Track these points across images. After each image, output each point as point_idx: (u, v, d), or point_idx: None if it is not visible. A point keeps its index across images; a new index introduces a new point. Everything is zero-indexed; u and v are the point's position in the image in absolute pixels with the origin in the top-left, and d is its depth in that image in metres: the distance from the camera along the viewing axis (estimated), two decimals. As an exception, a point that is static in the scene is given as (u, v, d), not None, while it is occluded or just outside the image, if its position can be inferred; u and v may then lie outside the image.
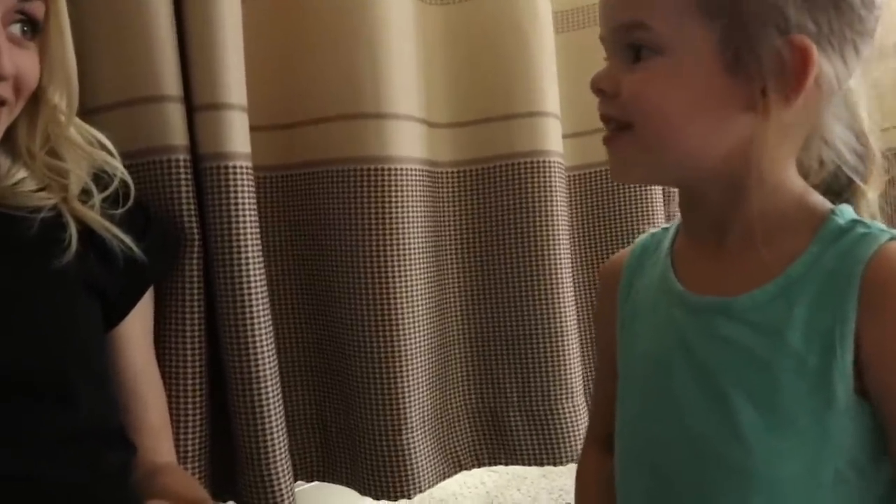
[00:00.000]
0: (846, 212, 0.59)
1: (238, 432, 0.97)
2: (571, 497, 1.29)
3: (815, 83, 0.55)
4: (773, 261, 0.58)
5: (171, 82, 0.89)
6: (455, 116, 1.19)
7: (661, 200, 1.35)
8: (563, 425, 1.22)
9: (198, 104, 0.91)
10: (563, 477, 1.36)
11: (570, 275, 1.23)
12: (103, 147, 0.82)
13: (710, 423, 0.59)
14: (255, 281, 0.94)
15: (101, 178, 0.81)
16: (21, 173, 0.76)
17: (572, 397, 1.22)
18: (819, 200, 0.60)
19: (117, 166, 0.82)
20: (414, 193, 1.10)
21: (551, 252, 1.18)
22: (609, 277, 0.74)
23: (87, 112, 0.87)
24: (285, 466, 1.01)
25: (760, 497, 0.57)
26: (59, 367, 0.71)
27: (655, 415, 0.64)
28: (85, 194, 0.79)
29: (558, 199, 1.18)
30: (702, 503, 0.60)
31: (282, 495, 1.00)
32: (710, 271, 0.63)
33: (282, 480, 1.00)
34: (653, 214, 1.32)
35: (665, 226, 0.71)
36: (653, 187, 1.35)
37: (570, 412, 1.22)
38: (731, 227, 0.61)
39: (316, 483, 1.21)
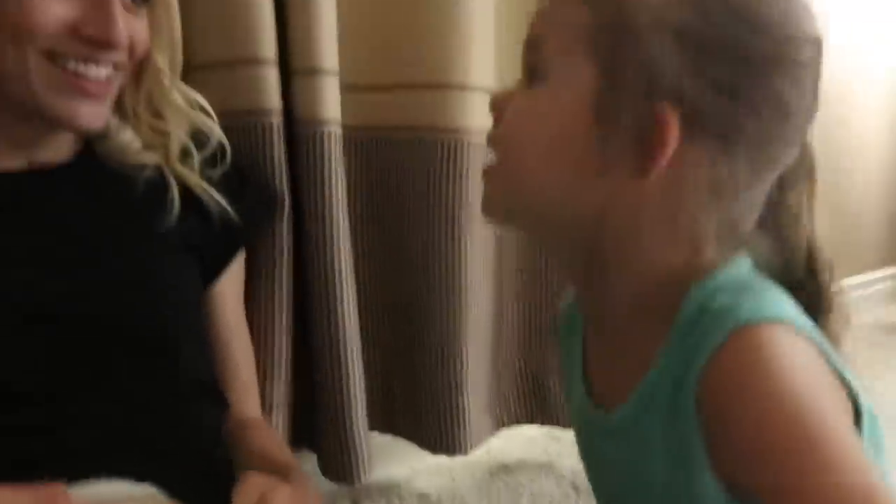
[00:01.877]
0: (706, 287, 0.46)
1: (321, 384, 0.96)
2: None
3: (686, 171, 0.45)
4: (645, 358, 0.48)
5: (268, 45, 0.85)
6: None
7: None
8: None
9: (294, 67, 0.87)
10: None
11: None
12: (202, 109, 0.80)
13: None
14: (343, 244, 0.91)
15: (198, 138, 0.78)
16: (127, 133, 0.74)
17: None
18: (690, 275, 0.47)
19: (214, 128, 0.80)
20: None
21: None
22: (555, 330, 0.66)
23: (184, 70, 0.84)
24: (362, 417, 1.00)
25: None
26: (165, 324, 0.69)
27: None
28: (184, 154, 0.77)
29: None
30: None
31: (357, 441, 0.99)
32: (605, 362, 0.55)
33: (359, 429, 0.99)
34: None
35: None
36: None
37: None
38: (605, 308, 0.52)
39: (379, 436, 1.21)
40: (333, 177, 0.89)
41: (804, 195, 0.51)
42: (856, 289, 2.28)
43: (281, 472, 0.64)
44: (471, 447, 1.12)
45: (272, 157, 0.87)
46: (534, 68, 0.50)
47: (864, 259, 2.35)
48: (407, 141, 1.02)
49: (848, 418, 0.43)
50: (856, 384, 0.45)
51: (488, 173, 0.52)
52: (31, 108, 0.64)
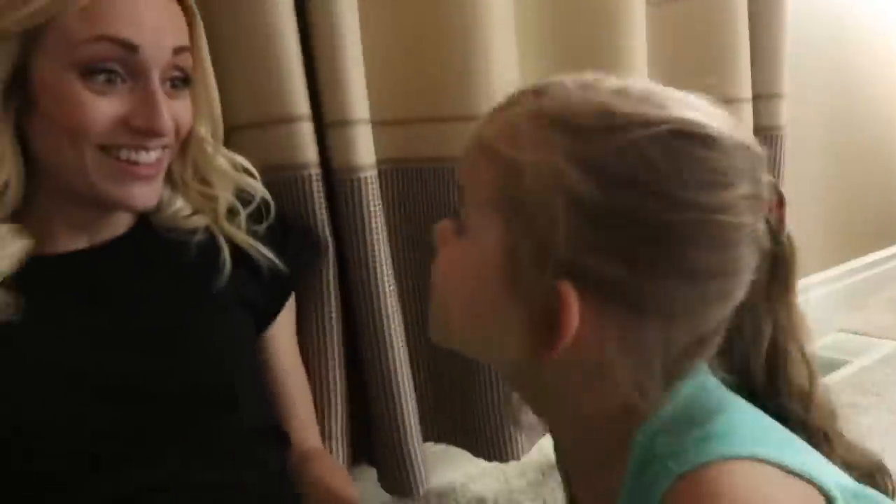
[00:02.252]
0: (650, 428, 0.46)
1: (375, 409, 1.01)
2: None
3: (598, 339, 0.43)
4: (611, 483, 0.48)
5: (301, 102, 0.89)
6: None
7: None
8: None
9: (328, 121, 0.91)
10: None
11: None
12: (245, 170, 0.84)
13: None
14: (386, 279, 0.95)
15: (243, 196, 0.83)
16: (178, 202, 0.79)
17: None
18: (636, 412, 0.46)
19: (258, 187, 0.84)
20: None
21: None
22: None
23: (225, 132, 0.88)
24: (416, 435, 1.04)
25: None
26: (229, 380, 0.75)
27: None
28: (231, 213, 0.81)
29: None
30: None
31: (413, 459, 1.04)
32: (580, 480, 0.55)
33: (414, 449, 1.04)
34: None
35: None
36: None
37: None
38: (564, 439, 0.53)
39: (435, 445, 1.26)
40: (374, 221, 0.93)
41: (769, 314, 0.49)
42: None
43: None
44: (523, 452, 1.17)
45: (313, 208, 0.91)
46: (459, 216, 0.49)
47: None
48: (435, 171, 1.05)
49: None
50: (826, 478, 0.45)
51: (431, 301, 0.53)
52: (90, 195, 0.69)
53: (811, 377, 0.50)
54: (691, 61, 1.25)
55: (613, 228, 0.42)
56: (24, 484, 0.64)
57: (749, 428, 0.46)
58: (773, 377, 0.50)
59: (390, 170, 1.08)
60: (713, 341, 0.48)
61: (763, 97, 1.32)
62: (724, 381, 0.50)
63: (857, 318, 2.01)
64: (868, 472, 0.52)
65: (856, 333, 1.90)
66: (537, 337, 0.45)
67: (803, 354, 0.50)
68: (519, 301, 0.45)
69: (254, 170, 0.85)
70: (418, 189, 1.08)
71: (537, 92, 0.47)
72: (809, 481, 0.44)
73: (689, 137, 0.43)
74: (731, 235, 0.44)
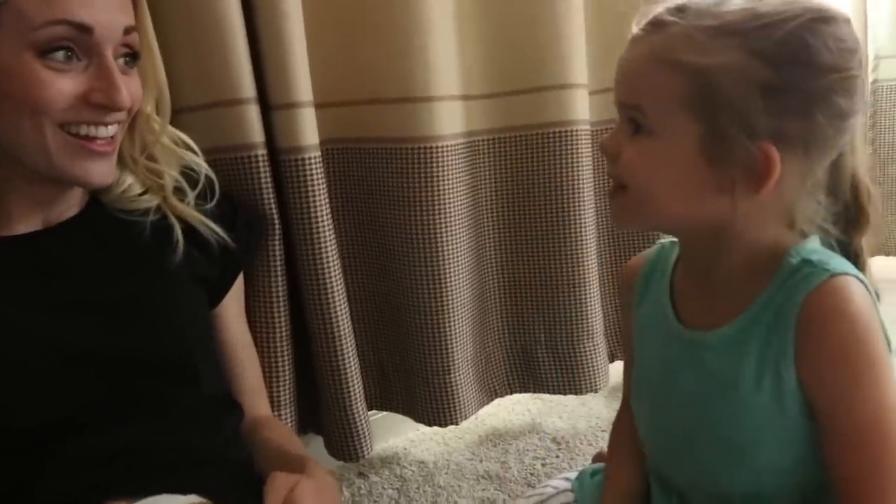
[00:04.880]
0: (803, 250, 0.60)
1: (321, 378, 1.03)
2: (606, 423, 1.37)
3: (784, 178, 0.57)
4: (745, 299, 0.61)
5: (247, 86, 0.89)
6: (489, 88, 1.18)
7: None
8: (584, 361, 1.27)
9: (273, 104, 0.91)
10: (600, 406, 1.44)
11: (594, 231, 1.25)
12: (188, 147, 0.84)
13: (700, 433, 0.65)
14: (330, 255, 0.97)
15: (188, 175, 0.83)
16: (128, 179, 0.79)
17: (592, 338, 1.27)
18: (788, 243, 0.61)
19: (202, 164, 0.84)
20: (455, 165, 1.11)
21: (576, 211, 1.20)
22: (626, 283, 0.76)
23: (173, 114, 0.89)
24: (361, 402, 1.07)
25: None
26: (187, 351, 0.75)
27: (663, 418, 0.70)
28: (179, 192, 0.82)
29: (583, 163, 1.19)
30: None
31: (358, 425, 1.07)
32: (700, 303, 0.66)
33: (359, 414, 1.07)
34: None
35: (672, 239, 0.72)
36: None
37: (589, 350, 1.27)
38: (716, 270, 0.64)
39: (378, 413, 1.29)
40: (318, 199, 0.94)
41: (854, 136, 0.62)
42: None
43: (298, 466, 0.70)
44: (462, 418, 1.20)
45: (260, 187, 0.92)
46: (639, 125, 0.60)
47: None
48: (375, 150, 1.07)
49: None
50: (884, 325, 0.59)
51: (618, 197, 0.63)
52: (50, 173, 0.68)
53: (872, 199, 0.64)
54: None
55: (791, 98, 0.56)
56: None
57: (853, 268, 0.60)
58: (856, 197, 0.64)
59: (332, 150, 1.10)
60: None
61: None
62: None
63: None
64: None
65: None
66: (742, 189, 0.58)
67: (868, 183, 0.64)
68: (719, 170, 0.58)
69: (196, 148, 0.85)
70: (359, 168, 1.10)
71: (679, 10, 0.58)
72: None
73: (824, 20, 0.56)
74: (857, 85, 0.58)
